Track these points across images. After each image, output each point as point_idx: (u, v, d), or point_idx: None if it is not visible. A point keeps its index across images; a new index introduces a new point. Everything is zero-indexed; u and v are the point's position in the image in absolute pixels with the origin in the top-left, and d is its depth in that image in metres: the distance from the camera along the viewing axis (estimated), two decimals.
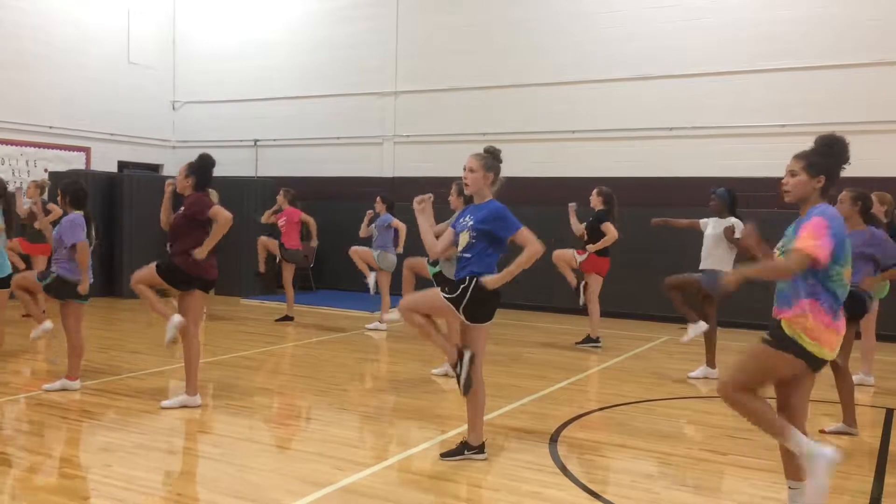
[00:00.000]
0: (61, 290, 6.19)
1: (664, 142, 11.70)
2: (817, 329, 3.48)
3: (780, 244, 3.69)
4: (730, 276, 3.72)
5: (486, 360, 7.79)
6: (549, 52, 12.49)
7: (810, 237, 3.44)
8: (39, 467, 4.52)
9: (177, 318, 5.75)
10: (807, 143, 3.76)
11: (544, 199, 11.88)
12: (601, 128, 12.10)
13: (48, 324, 6.88)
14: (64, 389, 6.20)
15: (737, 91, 11.20)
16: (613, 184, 9.62)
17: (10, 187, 8.06)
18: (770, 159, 10.62)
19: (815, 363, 3.57)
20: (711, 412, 6.22)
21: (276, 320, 10.48)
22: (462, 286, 4.57)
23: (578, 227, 9.02)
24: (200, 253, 5.70)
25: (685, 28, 11.56)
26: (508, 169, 5.02)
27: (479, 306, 4.59)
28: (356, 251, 9.93)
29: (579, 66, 12.22)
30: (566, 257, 8.97)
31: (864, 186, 5.81)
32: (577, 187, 10.20)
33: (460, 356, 4.62)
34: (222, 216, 5.74)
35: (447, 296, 4.60)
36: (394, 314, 7.23)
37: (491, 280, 4.53)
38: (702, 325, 7.32)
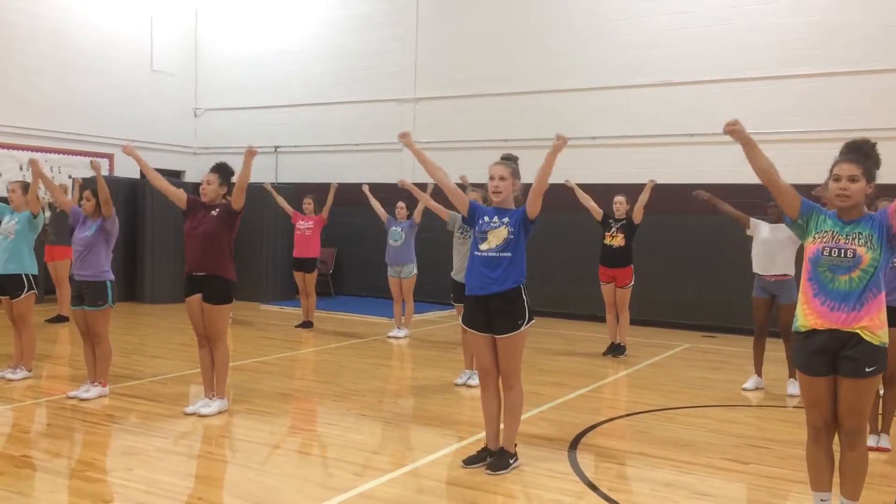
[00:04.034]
0: (113, 291, 6.29)
1: (684, 148, 11.64)
2: (883, 318, 3.56)
3: (864, 241, 3.52)
4: None
5: None
6: (569, 59, 12.48)
7: None
8: (62, 470, 4.57)
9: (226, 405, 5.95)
10: (828, 150, 3.74)
11: (563, 206, 11.86)
12: (621, 134, 12.06)
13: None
14: (101, 396, 6.22)
15: (757, 97, 11.12)
16: (633, 190, 9.58)
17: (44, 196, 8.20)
18: (791, 165, 10.50)
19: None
20: (733, 421, 6.17)
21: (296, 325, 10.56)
22: (523, 302, 4.60)
23: (595, 208, 8.76)
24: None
25: (705, 34, 11.51)
26: (529, 175, 5.00)
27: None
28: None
29: (600, 72, 12.20)
30: (618, 300, 8.81)
31: (886, 193, 5.73)
32: (596, 194, 10.17)
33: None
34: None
35: (525, 323, 4.60)
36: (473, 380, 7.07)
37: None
38: (761, 382, 7.37)
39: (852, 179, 3.55)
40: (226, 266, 5.78)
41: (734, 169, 11.22)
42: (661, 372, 8.18)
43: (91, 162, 6.50)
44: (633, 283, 8.82)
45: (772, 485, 4.64)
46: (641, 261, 9.22)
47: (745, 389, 7.29)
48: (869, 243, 3.52)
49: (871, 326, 3.52)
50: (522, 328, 4.58)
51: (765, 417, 6.34)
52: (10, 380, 6.70)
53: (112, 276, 6.29)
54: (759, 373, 7.34)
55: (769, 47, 11.04)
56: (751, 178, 12.21)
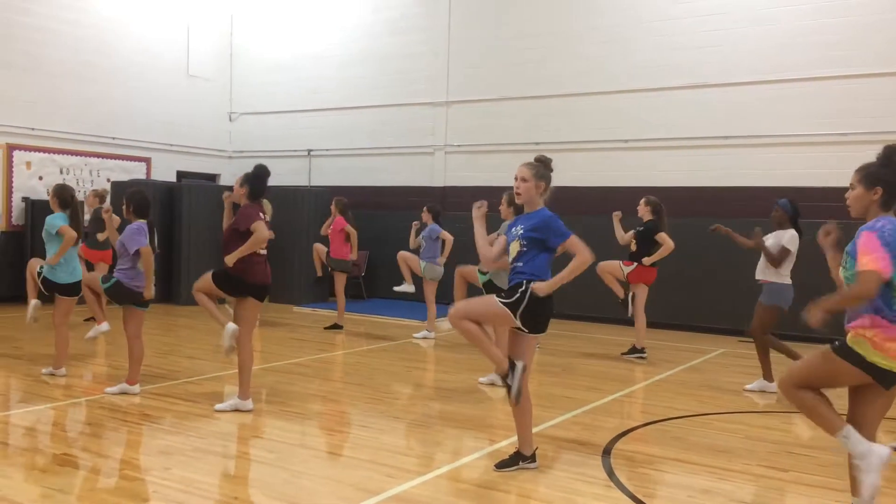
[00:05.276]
0: (120, 295, 6.39)
1: (718, 150, 11.50)
2: (878, 338, 3.42)
3: (843, 262, 3.64)
4: (813, 313, 3.54)
5: (538, 371, 7.76)
6: (601, 61, 12.40)
7: (864, 254, 3.41)
8: (101, 469, 4.65)
9: (231, 327, 5.86)
10: (867, 153, 3.68)
11: (595, 209, 11.78)
12: (653, 137, 11.96)
13: (105, 325, 6.74)
14: (124, 393, 6.39)
15: (794, 99, 10.95)
16: (666, 193, 9.51)
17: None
18: (829, 168, 10.37)
19: (882, 377, 3.46)
20: (771, 427, 6.07)
21: (326, 328, 10.60)
22: (520, 290, 4.54)
23: (623, 237, 8.95)
24: (229, 259, 5.81)
25: (740, 36, 11.35)
26: (559, 178, 5.00)
27: (535, 313, 4.56)
28: (404, 257, 10.06)
29: (632, 74, 12.11)
30: (612, 269, 8.87)
31: None
32: (628, 197, 10.10)
33: (512, 367, 4.60)
34: (259, 232, 5.78)
35: (504, 301, 4.57)
36: (445, 324, 7.22)
37: (542, 286, 4.50)
38: (766, 385, 7.37)
39: (850, 187, 3.63)
40: (237, 264, 5.87)
41: (768, 172, 11.15)
42: (696, 377, 8.08)
43: None
44: (642, 284, 8.79)
45: (812, 493, 4.55)
46: (676, 265, 9.12)
47: (748, 390, 7.35)
48: (844, 262, 3.59)
49: (854, 332, 3.49)
50: (496, 298, 4.64)
51: (803, 424, 6.22)
52: (51, 376, 6.87)
53: (122, 278, 6.33)
54: (765, 376, 7.38)
55: (805, 48, 10.86)
56: (783, 181, 12.14)
